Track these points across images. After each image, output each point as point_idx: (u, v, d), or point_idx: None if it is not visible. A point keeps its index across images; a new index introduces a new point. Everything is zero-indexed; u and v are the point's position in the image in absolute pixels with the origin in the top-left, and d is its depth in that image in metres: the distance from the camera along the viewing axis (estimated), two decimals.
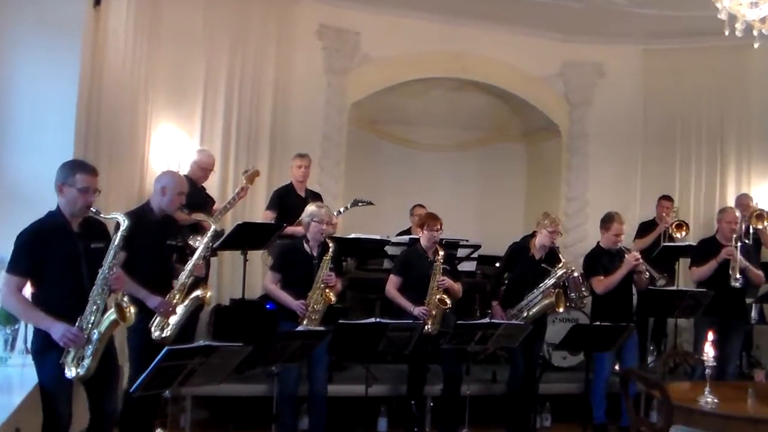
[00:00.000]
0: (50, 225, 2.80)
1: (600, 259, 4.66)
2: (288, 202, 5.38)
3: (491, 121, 7.81)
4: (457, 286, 4.61)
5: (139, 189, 5.42)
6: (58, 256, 2.74)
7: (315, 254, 4.20)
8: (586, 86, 7.07)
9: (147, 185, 5.41)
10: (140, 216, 3.42)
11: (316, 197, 5.42)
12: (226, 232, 4.84)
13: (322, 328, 3.83)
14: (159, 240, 3.51)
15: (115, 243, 2.81)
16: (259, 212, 5.75)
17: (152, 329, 3.42)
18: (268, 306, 4.82)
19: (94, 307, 2.76)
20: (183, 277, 3.55)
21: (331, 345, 3.82)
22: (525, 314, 4.61)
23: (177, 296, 3.49)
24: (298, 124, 6.43)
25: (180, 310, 3.50)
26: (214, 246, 4.65)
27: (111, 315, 2.78)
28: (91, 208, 2.84)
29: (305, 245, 4.22)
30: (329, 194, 6.31)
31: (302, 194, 5.46)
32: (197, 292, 3.52)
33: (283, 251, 4.32)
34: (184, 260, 3.63)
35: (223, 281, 5.98)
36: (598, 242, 4.73)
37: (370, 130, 7.57)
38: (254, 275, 5.69)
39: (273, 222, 5.22)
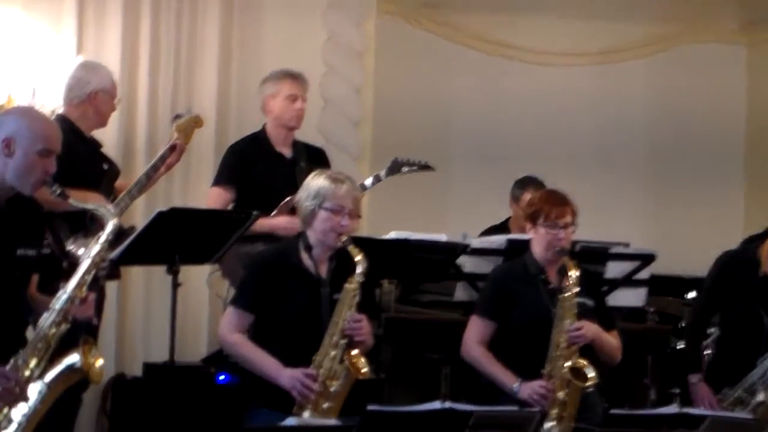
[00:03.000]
0: None
1: None
2: (258, 167, 5.44)
3: (674, 2, 7.76)
4: (612, 342, 4.64)
5: None
6: None
7: (324, 274, 4.25)
8: None
9: None
10: None
11: (315, 157, 5.49)
12: (137, 229, 4.87)
13: (333, 422, 3.90)
14: None
15: None
16: (203, 191, 5.82)
17: None
18: (221, 377, 4.85)
19: None
20: (46, 322, 3.51)
21: None
22: (760, 398, 4.59)
23: (32, 363, 3.49)
24: (275, 17, 6.49)
25: (36, 391, 3.47)
26: (113, 257, 4.69)
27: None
28: None
29: (303, 256, 4.26)
30: (342, 151, 6.29)
31: (287, 152, 5.53)
32: (72, 358, 3.52)
33: (257, 269, 4.38)
34: (53, 287, 3.61)
35: (130, 329, 6.02)
36: None
37: (422, 23, 7.57)
38: (193, 316, 5.77)
39: (230, 209, 5.34)
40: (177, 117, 5.32)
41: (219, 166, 5.60)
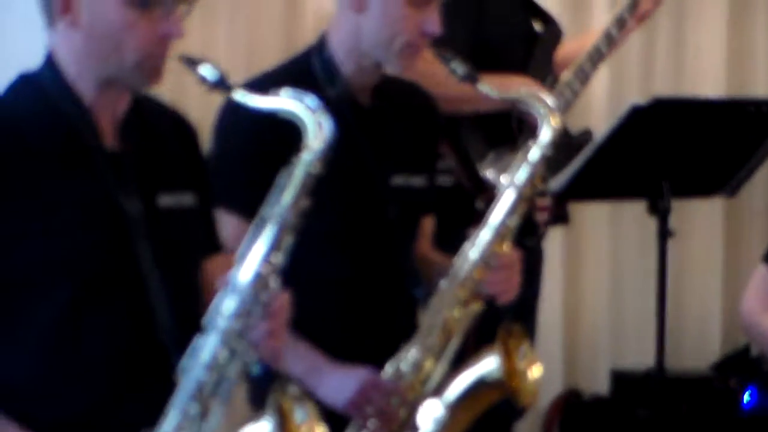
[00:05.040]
0: None
1: None
2: None
3: None
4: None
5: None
6: None
7: None
8: None
9: None
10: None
11: None
12: (596, 138, 4.57)
13: None
14: (356, 173, 3.41)
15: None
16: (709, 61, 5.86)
17: None
18: (748, 397, 5.01)
19: None
20: (445, 297, 3.38)
21: None
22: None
23: (426, 367, 3.42)
24: None
25: (431, 418, 3.38)
26: (556, 189, 4.55)
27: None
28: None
29: None
30: None
31: None
32: (488, 363, 3.48)
33: None
34: (460, 239, 3.45)
35: (587, 314, 5.93)
36: None
37: None
38: (697, 290, 5.81)
39: (754, 98, 5.27)
40: None
41: None
